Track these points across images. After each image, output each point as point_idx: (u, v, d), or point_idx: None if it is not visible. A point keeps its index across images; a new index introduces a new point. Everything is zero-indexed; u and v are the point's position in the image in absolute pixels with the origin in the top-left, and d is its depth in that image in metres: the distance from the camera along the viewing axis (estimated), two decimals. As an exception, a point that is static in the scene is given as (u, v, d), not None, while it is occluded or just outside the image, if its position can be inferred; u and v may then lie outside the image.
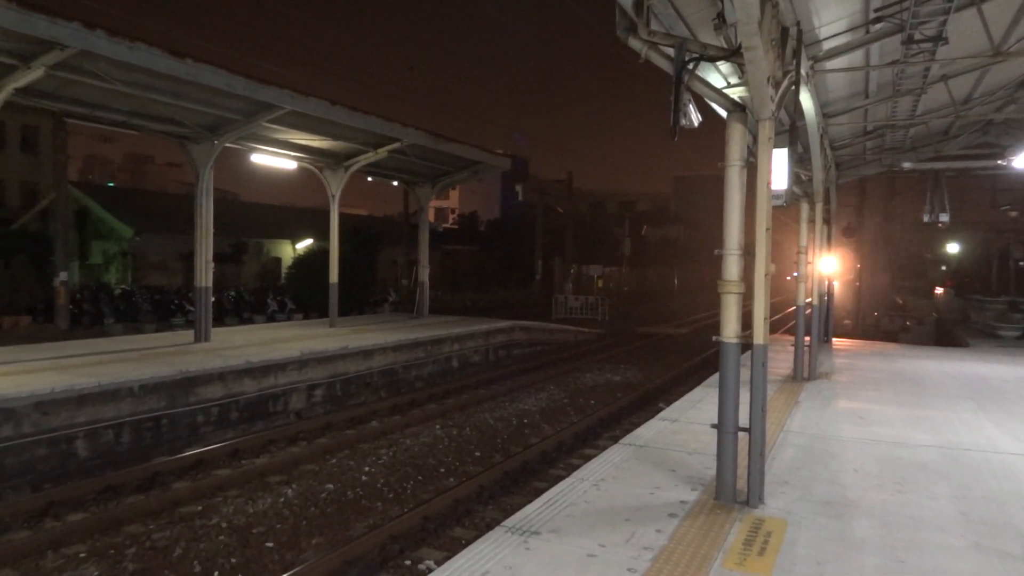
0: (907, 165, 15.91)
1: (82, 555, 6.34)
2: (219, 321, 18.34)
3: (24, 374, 9.23)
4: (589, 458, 8.12)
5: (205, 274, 13.44)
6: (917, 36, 7.60)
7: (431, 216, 23.24)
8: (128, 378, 9.31)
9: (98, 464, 8.72)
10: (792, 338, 12.10)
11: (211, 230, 13.52)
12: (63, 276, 19.80)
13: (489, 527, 6.50)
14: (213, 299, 14.62)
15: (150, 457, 9.18)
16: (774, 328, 24.24)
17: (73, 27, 8.73)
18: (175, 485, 8.27)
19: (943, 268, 37.97)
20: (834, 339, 17.17)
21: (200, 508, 7.52)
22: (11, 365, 9.92)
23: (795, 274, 11.48)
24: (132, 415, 9.25)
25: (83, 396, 8.71)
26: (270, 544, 6.71)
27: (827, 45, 8.08)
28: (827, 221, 15.49)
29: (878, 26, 7.73)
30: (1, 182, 34.85)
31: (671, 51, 5.33)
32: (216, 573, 6.09)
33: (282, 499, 7.86)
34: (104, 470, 8.60)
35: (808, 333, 11.54)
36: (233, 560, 6.34)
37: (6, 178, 35.60)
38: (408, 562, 6.36)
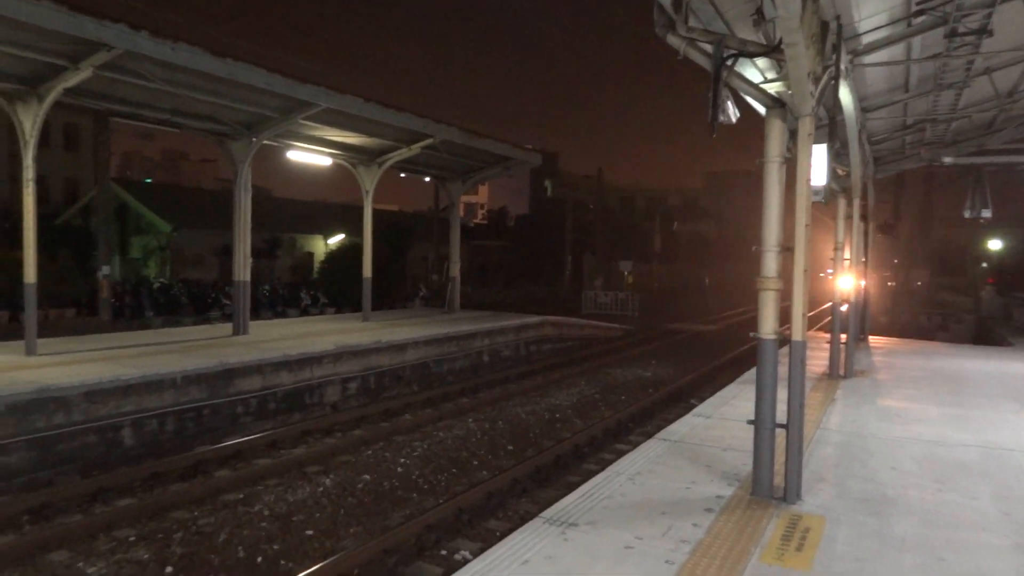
0: (948, 160, 15.61)
1: (131, 538, 6.56)
2: (254, 315, 18.68)
3: (73, 364, 9.54)
4: (621, 453, 8.17)
5: (243, 268, 13.71)
6: (961, 29, 7.49)
7: (461, 211, 23.37)
8: (171, 369, 9.57)
9: (143, 452, 8.99)
10: (828, 335, 11.97)
11: (249, 225, 13.79)
12: (106, 270, 20.35)
13: (523, 520, 6.58)
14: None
15: (192, 446, 9.43)
16: (810, 326, 23.95)
17: (119, 28, 8.98)
18: (217, 473, 8.50)
19: (984, 265, 37.10)
20: (871, 337, 16.93)
21: (242, 496, 7.72)
22: (61, 356, 10.26)
23: (829, 271, 11.36)
24: (175, 405, 9.51)
25: (129, 386, 8.98)
26: (310, 532, 6.87)
27: (867, 39, 7.98)
28: (864, 217, 15.27)
29: (920, 19, 7.61)
30: (45, 179, 35.83)
31: (709, 47, 5.33)
32: (259, 558, 6.26)
33: (320, 488, 8.04)
34: (149, 458, 8.86)
35: (845, 330, 11.42)
36: (275, 546, 6.51)
37: (49, 175, 36.57)
38: (444, 552, 6.47)
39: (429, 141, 15.64)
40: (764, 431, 5.38)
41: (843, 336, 11.33)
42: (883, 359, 13.51)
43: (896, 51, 8.66)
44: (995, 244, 32.93)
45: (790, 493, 5.31)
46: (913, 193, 31.11)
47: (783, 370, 5.28)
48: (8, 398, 7.77)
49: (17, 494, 7.52)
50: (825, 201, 6.80)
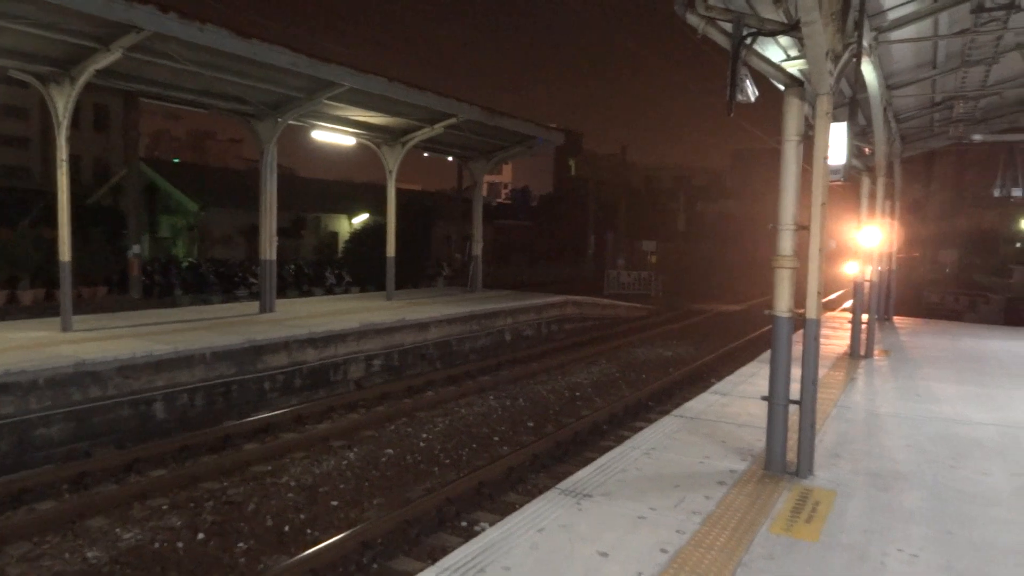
0: (977, 137, 15.33)
1: (164, 507, 6.85)
2: (280, 293, 19.00)
3: (107, 340, 9.87)
4: (640, 430, 8.26)
5: (269, 247, 13.97)
6: (988, 4, 7.36)
7: (484, 191, 23.44)
8: (201, 345, 9.85)
9: (174, 425, 9.31)
10: (851, 315, 11.92)
11: (275, 205, 14.02)
12: (136, 249, 20.82)
13: (542, 493, 6.74)
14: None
15: (221, 420, 9.74)
16: (833, 306, 23.76)
17: (148, 10, 9.15)
18: (246, 446, 8.78)
19: (1017, 245, 36.29)
20: (895, 317, 16.79)
21: (270, 468, 7.99)
22: (95, 332, 10.60)
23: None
24: (204, 380, 9.80)
25: (161, 361, 9.28)
26: (335, 503, 7.11)
27: (892, 15, 7.87)
28: (890, 196, 15.08)
29: (946, -6, 7.50)
30: (76, 159, 36.54)
31: (728, 26, 5.34)
32: (287, 527, 6.51)
33: (345, 462, 8.28)
34: (180, 431, 9.18)
35: (866, 310, 11.36)
36: (302, 516, 6.76)
37: (81, 155, 37.26)
38: (464, 523, 6.67)
39: (452, 120, 15.71)
40: (777, 407, 5.46)
41: (864, 316, 11.28)
42: (907, 339, 13.42)
43: (923, 27, 8.52)
44: (1028, 223, 32.20)
45: (802, 468, 5.40)
46: (943, 172, 30.52)
47: (800, 348, 5.35)
48: (47, 372, 8.09)
49: (58, 463, 7.86)
50: (844, 180, 6.78)
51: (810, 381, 5.35)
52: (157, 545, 6.07)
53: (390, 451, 8.72)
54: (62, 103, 10.21)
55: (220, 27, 10.01)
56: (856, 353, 11.10)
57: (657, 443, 6.23)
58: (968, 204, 31.10)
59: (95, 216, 25.35)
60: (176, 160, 47.59)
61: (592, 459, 7.73)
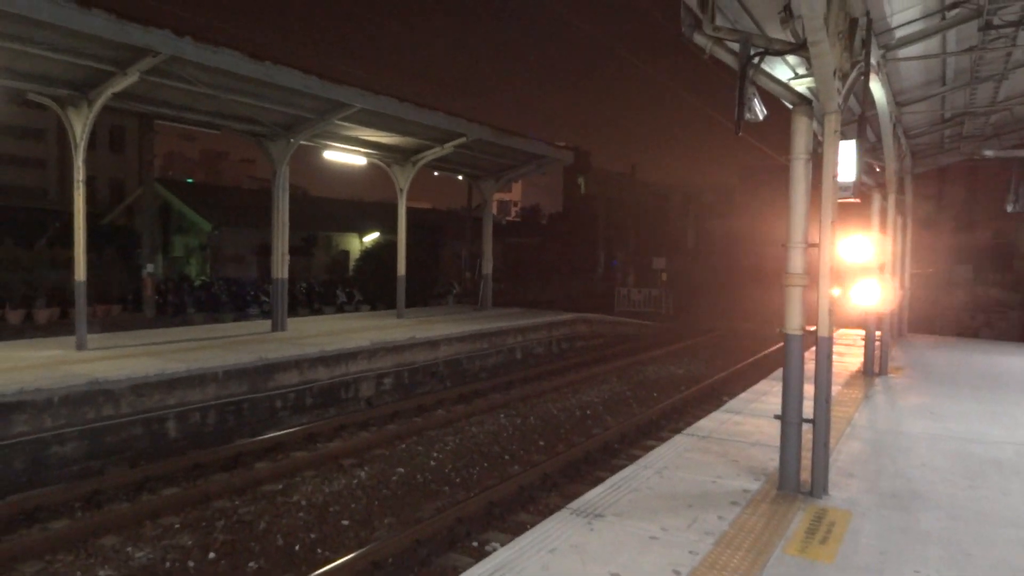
0: (989, 153, 15.29)
1: (176, 525, 6.86)
2: (292, 312, 19.09)
3: (121, 359, 9.93)
4: (651, 449, 8.21)
5: (281, 266, 14.06)
6: (996, 21, 7.39)
7: (494, 209, 23.54)
8: (213, 364, 9.91)
9: (186, 444, 9.33)
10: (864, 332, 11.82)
11: (287, 224, 14.13)
12: (150, 268, 21.00)
13: (552, 513, 6.70)
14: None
15: (233, 438, 9.76)
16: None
17: (164, 34, 9.33)
18: (257, 465, 8.79)
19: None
20: (910, 334, 16.66)
21: (281, 487, 7.99)
22: (108, 350, 10.68)
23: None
24: (217, 399, 9.84)
25: (174, 380, 9.33)
26: (346, 522, 7.09)
27: (899, 33, 7.90)
28: (902, 212, 15.03)
29: (954, 12, 7.52)
30: (92, 180, 36.99)
31: (736, 46, 5.38)
32: (297, 546, 6.50)
33: (355, 481, 8.27)
34: (192, 449, 9.20)
35: (880, 327, 11.28)
36: (312, 535, 6.75)
37: (97, 176, 37.72)
38: (475, 543, 6.63)
39: (462, 140, 15.82)
40: (791, 426, 5.42)
41: (878, 333, 11.20)
42: (921, 356, 13.30)
43: (931, 44, 8.54)
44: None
45: (816, 488, 5.35)
46: (955, 188, 30.38)
47: (812, 366, 5.32)
48: (62, 390, 8.15)
49: (70, 482, 7.90)
50: (854, 197, 6.77)
51: (823, 399, 5.32)
52: (168, 564, 6.08)
53: (401, 470, 8.71)
54: (80, 125, 10.37)
55: (233, 50, 10.17)
56: (870, 371, 11.01)
57: (669, 462, 6.19)
58: (981, 219, 30.91)
59: (110, 235, 25.66)
60: (190, 180, 48.14)
61: (603, 478, 7.70)
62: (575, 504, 5.14)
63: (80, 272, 10.55)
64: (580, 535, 4.55)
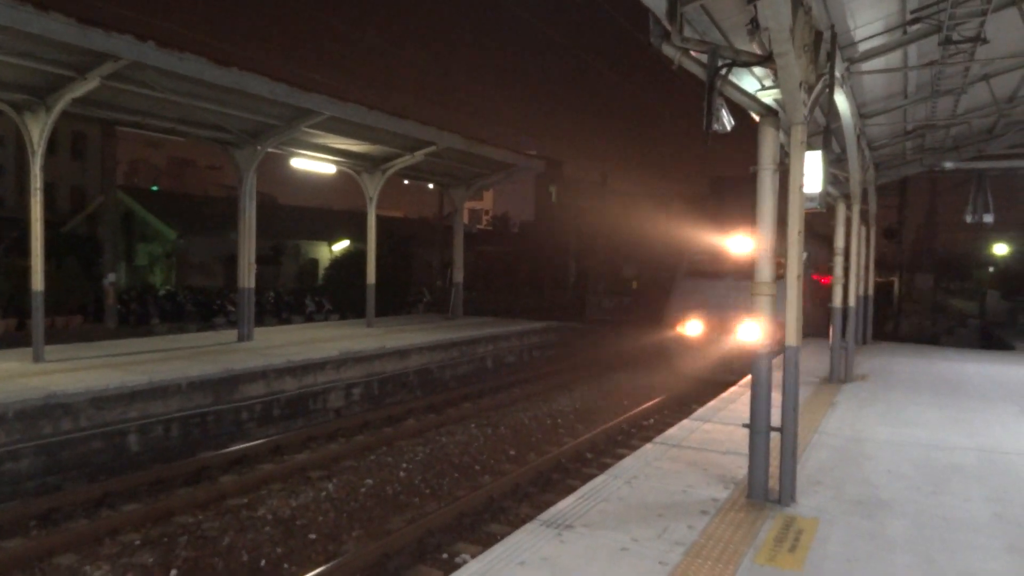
0: (949, 165, 15.66)
1: (137, 543, 6.66)
2: (259, 321, 18.79)
3: (80, 371, 9.66)
4: (622, 457, 8.20)
5: (248, 276, 13.84)
6: (955, 37, 7.55)
7: (465, 217, 23.50)
8: (176, 376, 9.68)
9: (149, 457, 9.09)
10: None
11: (254, 233, 13.92)
12: (112, 277, 20.52)
13: (524, 523, 6.65)
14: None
15: (197, 451, 9.53)
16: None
17: (126, 39, 9.14)
18: (222, 478, 8.60)
19: (990, 269, 36.94)
20: (873, 341, 16.95)
21: (246, 500, 7.81)
22: (67, 363, 10.38)
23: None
24: (180, 411, 9.61)
25: (135, 392, 9.09)
26: (313, 536, 6.96)
27: (863, 47, 8.06)
28: (866, 222, 15.32)
29: (915, 27, 7.68)
30: (52, 187, 36.11)
31: (704, 57, 5.42)
32: (263, 562, 6.35)
33: (323, 493, 8.13)
34: (154, 463, 8.97)
35: (845, 335, 11.45)
36: (279, 550, 6.60)
37: (57, 183, 36.87)
38: (445, 555, 6.55)
39: (432, 148, 15.77)
40: (759, 435, 5.45)
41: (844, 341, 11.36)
42: (885, 363, 13.54)
43: (893, 58, 8.73)
44: (1000, 249, 32.89)
45: (784, 496, 5.38)
46: (917, 198, 31.12)
47: (781, 375, 5.36)
48: (16, 405, 7.89)
49: (26, 499, 7.63)
50: (821, 208, 6.88)
51: (791, 408, 5.36)
52: (127, 583, 5.89)
53: (370, 481, 8.58)
54: (37, 132, 10.10)
55: (199, 56, 10.01)
56: (835, 378, 11.16)
57: (639, 472, 6.18)
58: (942, 230, 31.70)
59: (70, 244, 25.05)
60: (154, 188, 47.25)
61: (575, 487, 7.66)
62: (545, 515, 5.10)
63: (37, 281, 10.25)
64: (550, 547, 4.51)
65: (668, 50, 5.50)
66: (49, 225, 10.91)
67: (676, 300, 16.15)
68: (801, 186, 5.37)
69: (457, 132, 15.97)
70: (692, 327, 15.20)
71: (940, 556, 4.51)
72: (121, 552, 6.46)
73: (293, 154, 15.27)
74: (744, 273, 11.63)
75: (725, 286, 15.17)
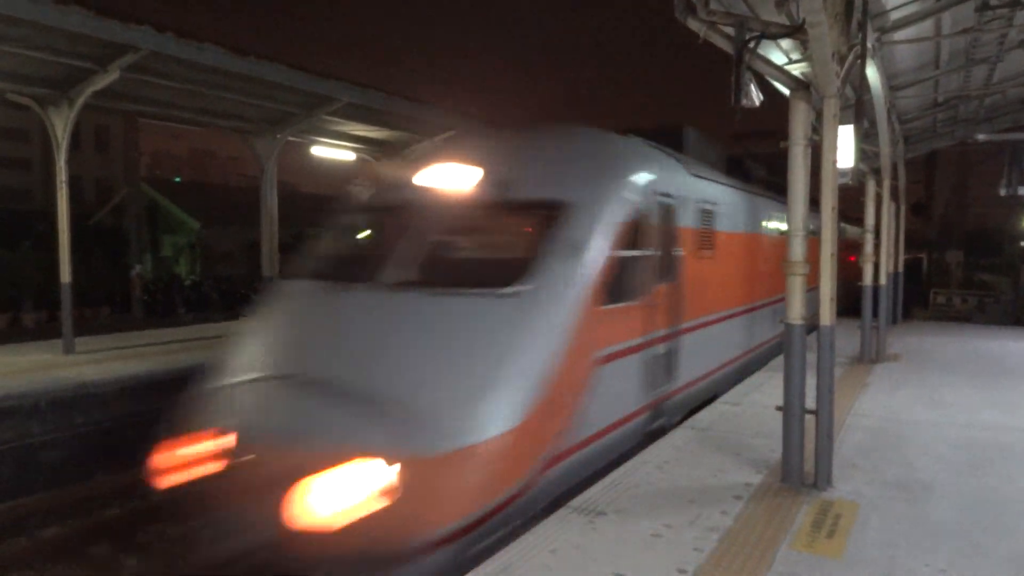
0: (982, 137, 15.22)
1: (169, 532, 6.72)
2: (284, 309, 18.85)
3: (108, 362, 9.76)
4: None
5: (271, 264, 13.88)
6: (993, 2, 7.28)
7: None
8: (202, 364, 9.72)
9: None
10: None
11: (276, 221, 13.94)
12: (138, 268, 20.77)
13: (552, 509, 6.60)
14: (279, 288, 15.05)
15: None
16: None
17: (145, 30, 9.11)
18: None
19: (1022, 243, 36.04)
20: (904, 320, 16.63)
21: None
22: (97, 353, 10.50)
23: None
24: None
25: (163, 381, 9.16)
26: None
27: (895, 16, 7.78)
28: (895, 198, 14.96)
29: (950, -7, 7.41)
30: (77, 180, 36.56)
31: (731, 30, 5.25)
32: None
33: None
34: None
35: (876, 313, 11.21)
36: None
37: (82, 176, 37.32)
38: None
39: (452, 133, 15.64)
40: (793, 417, 5.32)
41: (875, 320, 11.13)
42: (917, 342, 13.26)
43: (925, 27, 8.43)
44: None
45: (820, 479, 5.25)
46: (946, 172, 30.42)
47: (813, 356, 5.22)
48: (50, 394, 7.98)
49: (59, 488, 7.74)
50: (853, 183, 6.67)
51: (827, 389, 5.22)
52: None
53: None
54: (61, 125, 10.16)
55: (217, 45, 9.96)
56: (867, 358, 10.95)
57: (669, 456, 6.08)
58: (972, 204, 30.99)
59: (97, 236, 25.34)
60: (177, 179, 47.75)
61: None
62: (576, 502, 5.03)
63: (65, 274, 10.35)
64: (582, 534, 4.44)
65: (694, 24, 5.32)
66: (75, 217, 11.00)
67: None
68: (835, 161, 5.19)
69: (476, 117, 15.82)
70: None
71: (986, 540, 4.37)
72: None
73: (313, 142, 15.22)
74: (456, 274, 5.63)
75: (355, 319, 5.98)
